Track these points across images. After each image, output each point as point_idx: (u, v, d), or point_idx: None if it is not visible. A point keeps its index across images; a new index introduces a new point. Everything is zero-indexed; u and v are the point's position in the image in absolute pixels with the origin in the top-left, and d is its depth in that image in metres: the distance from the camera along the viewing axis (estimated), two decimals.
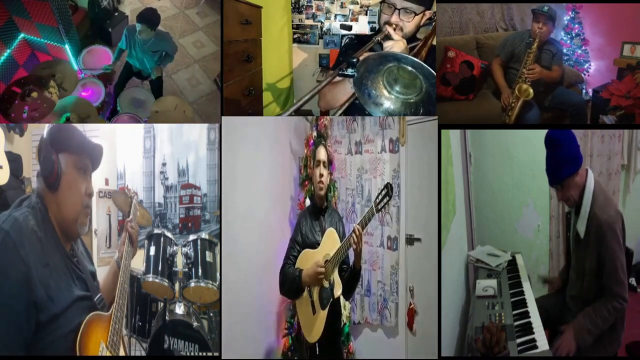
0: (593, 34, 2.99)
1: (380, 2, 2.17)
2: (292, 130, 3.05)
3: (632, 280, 3.27)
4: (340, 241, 2.16)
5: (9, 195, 2.70)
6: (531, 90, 2.62)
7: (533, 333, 1.93)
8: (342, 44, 2.65)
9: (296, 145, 3.05)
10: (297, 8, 3.56)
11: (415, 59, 1.62)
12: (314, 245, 2.23)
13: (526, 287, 2.38)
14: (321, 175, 2.32)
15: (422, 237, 2.71)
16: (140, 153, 3.78)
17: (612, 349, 1.99)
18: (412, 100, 1.77)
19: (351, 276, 2.17)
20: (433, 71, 1.63)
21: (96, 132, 2.95)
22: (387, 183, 1.96)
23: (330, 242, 2.17)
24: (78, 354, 1.23)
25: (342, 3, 3.53)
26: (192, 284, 2.65)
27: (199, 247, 2.77)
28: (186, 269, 2.71)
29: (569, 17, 3.02)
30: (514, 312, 2.13)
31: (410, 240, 2.77)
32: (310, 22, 3.59)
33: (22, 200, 1.34)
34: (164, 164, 3.78)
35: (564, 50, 2.97)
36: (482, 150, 3.35)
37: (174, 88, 3.47)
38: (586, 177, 2.00)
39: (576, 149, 2.00)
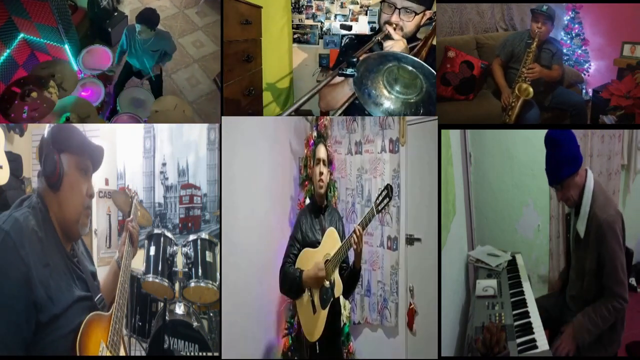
0: (593, 34, 2.99)
1: (381, 2, 2.17)
2: (292, 130, 3.05)
3: (632, 280, 3.27)
4: (341, 240, 2.17)
5: (9, 195, 2.70)
6: (531, 90, 2.62)
7: (533, 333, 1.93)
8: (342, 44, 2.64)
9: (296, 145, 3.05)
10: (297, 8, 3.56)
11: (416, 59, 1.61)
12: (314, 243, 2.23)
13: (526, 287, 2.39)
14: (321, 174, 2.32)
15: (422, 237, 2.71)
16: (140, 153, 3.78)
17: (612, 349, 1.99)
18: (412, 100, 1.77)
19: (351, 276, 2.18)
20: (433, 71, 1.63)
21: (96, 132, 2.96)
22: (387, 184, 1.97)
23: (330, 242, 2.18)
24: (78, 354, 1.23)
25: (342, 3, 3.53)
26: (192, 284, 2.65)
27: (199, 247, 2.77)
28: (186, 269, 2.71)
29: (569, 17, 3.02)
30: (514, 312, 2.13)
31: (410, 240, 2.77)
32: (310, 22, 3.59)
33: (23, 200, 1.34)
34: (164, 164, 3.78)
35: (564, 50, 2.97)
36: (482, 150, 3.35)
37: (174, 88, 3.48)
38: (586, 177, 1.99)
39: (576, 149, 2.00)
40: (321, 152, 2.38)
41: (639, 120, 2.61)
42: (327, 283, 2.15)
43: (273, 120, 3.02)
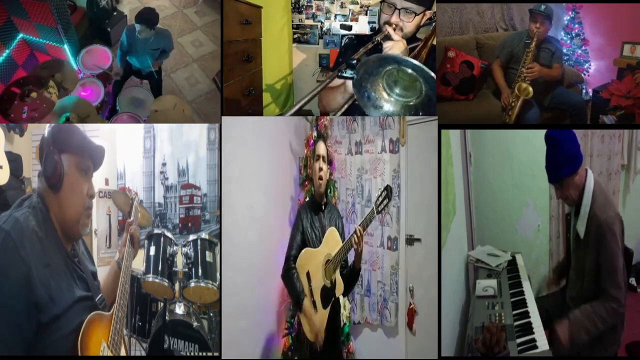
0: (593, 34, 2.99)
1: (380, 2, 2.16)
2: (292, 130, 3.05)
3: (632, 280, 3.27)
4: (341, 239, 2.18)
5: (9, 195, 2.70)
6: (531, 89, 2.62)
7: (533, 333, 1.93)
8: (342, 44, 2.64)
9: (296, 145, 3.05)
10: (297, 8, 3.56)
11: (416, 62, 1.60)
12: (314, 240, 2.24)
13: (526, 287, 2.38)
14: (320, 169, 2.33)
15: (422, 237, 2.71)
16: (140, 153, 3.78)
17: (612, 349, 1.99)
18: (411, 103, 1.77)
19: (351, 275, 2.21)
20: (433, 75, 1.62)
21: (96, 132, 2.95)
22: (387, 185, 1.98)
23: (331, 242, 2.19)
24: (79, 354, 1.23)
25: (342, 3, 3.53)
26: (192, 284, 2.65)
27: (199, 247, 2.77)
28: (186, 269, 2.71)
29: (569, 17, 3.02)
30: (514, 312, 2.13)
31: (410, 241, 2.77)
32: (310, 22, 3.59)
33: (23, 200, 1.34)
34: (164, 164, 3.78)
35: (564, 50, 2.97)
36: (482, 150, 3.35)
37: (173, 87, 3.48)
38: (586, 177, 1.99)
39: (576, 149, 1.99)
40: (321, 148, 2.39)
41: (639, 120, 2.61)
42: (328, 283, 2.16)
43: (273, 120, 3.02)
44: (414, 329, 2.73)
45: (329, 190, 2.65)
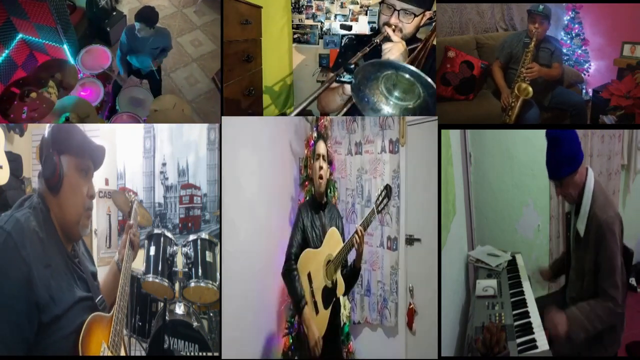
0: (593, 34, 2.99)
1: (380, 3, 2.16)
2: (292, 130, 3.05)
3: (632, 280, 3.27)
4: (342, 240, 2.19)
5: (9, 195, 2.70)
6: (530, 89, 2.62)
7: (533, 333, 1.93)
8: (342, 44, 2.64)
9: (296, 145, 3.05)
10: (297, 8, 3.56)
11: (414, 69, 1.59)
12: (314, 238, 2.24)
13: (526, 287, 2.38)
14: (320, 168, 2.33)
15: (422, 237, 2.72)
16: (140, 153, 3.78)
17: (612, 349, 1.99)
18: (410, 107, 1.77)
19: (351, 275, 2.23)
20: (433, 83, 1.61)
21: (96, 132, 2.95)
22: (386, 185, 1.98)
23: (332, 242, 2.19)
24: (81, 354, 1.23)
25: (342, 3, 3.52)
26: (192, 284, 2.65)
27: (199, 247, 2.77)
28: (186, 269, 2.70)
29: (569, 17, 3.02)
30: (514, 312, 2.13)
31: (410, 241, 2.77)
32: (310, 22, 3.58)
33: (24, 200, 1.34)
34: (164, 164, 3.78)
35: (564, 50, 2.97)
36: (482, 150, 3.35)
37: (173, 86, 3.48)
38: (586, 176, 1.99)
39: (577, 147, 1.99)
40: (321, 147, 2.39)
41: (639, 120, 2.61)
42: (329, 283, 2.16)
43: (273, 120, 3.02)
44: (414, 329, 2.73)
45: (329, 190, 2.65)
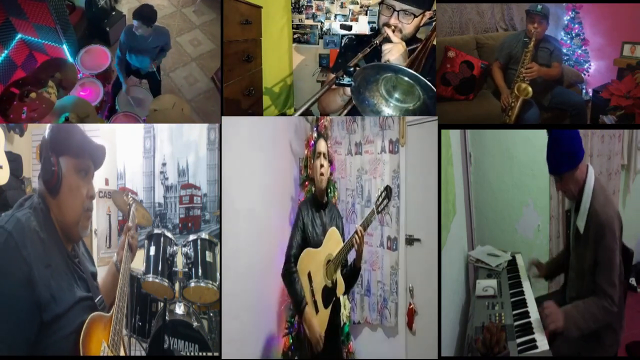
0: (593, 34, 2.99)
1: (379, 4, 2.16)
2: (292, 130, 3.05)
3: (632, 280, 3.27)
4: (341, 239, 2.19)
5: (9, 195, 2.69)
6: (530, 89, 2.62)
7: (533, 333, 1.92)
8: (342, 44, 2.64)
9: (296, 145, 3.05)
10: (297, 8, 3.56)
11: (413, 72, 1.60)
12: (314, 238, 2.24)
13: (526, 287, 2.38)
14: (321, 166, 2.32)
15: (422, 237, 2.72)
16: (140, 153, 3.78)
17: (612, 350, 1.99)
18: (410, 108, 1.77)
19: (351, 274, 2.23)
20: (432, 87, 1.61)
21: (96, 132, 2.94)
22: (386, 185, 1.98)
23: (332, 242, 2.19)
24: (81, 354, 1.23)
25: (342, 3, 3.52)
26: (192, 284, 2.65)
27: (199, 247, 2.77)
28: (186, 269, 2.70)
29: (569, 17, 3.02)
30: (514, 312, 2.13)
31: (410, 241, 2.77)
32: (310, 22, 3.58)
33: (25, 200, 1.34)
34: (164, 164, 3.78)
35: (564, 50, 2.97)
36: (482, 150, 3.35)
37: (172, 86, 3.48)
38: (586, 173, 1.99)
39: (578, 145, 1.99)
40: (321, 146, 2.39)
41: (639, 120, 2.61)
42: (329, 282, 2.17)
43: (273, 120, 3.02)
44: (414, 329, 2.73)
45: (329, 190, 2.65)
